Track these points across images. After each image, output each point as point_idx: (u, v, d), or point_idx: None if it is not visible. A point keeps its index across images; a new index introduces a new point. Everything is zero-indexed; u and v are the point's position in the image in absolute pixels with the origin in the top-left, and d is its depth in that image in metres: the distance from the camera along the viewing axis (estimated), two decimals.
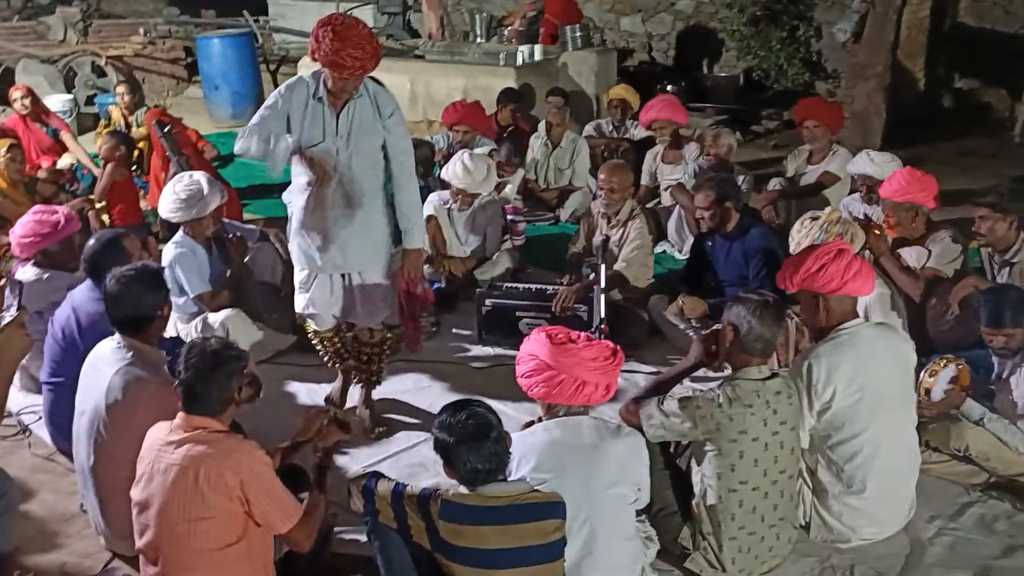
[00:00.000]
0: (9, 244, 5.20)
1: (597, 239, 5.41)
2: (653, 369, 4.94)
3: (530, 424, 3.39)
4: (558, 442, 3.02)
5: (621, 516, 3.06)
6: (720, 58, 11.43)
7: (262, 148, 3.85)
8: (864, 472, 3.45)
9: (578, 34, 9.74)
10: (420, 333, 4.57)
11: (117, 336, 3.50)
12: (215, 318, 4.96)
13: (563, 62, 9.52)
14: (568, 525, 2.86)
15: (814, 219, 4.65)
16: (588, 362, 3.06)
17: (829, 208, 5.18)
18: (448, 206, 5.93)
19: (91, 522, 3.64)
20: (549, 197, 7.39)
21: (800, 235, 4.62)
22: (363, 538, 3.11)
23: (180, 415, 2.92)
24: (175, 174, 6.64)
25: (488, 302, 5.30)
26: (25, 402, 4.61)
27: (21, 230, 4.72)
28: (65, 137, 7.89)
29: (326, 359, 4.50)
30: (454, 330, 5.54)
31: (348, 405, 4.60)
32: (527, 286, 5.44)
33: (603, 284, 4.74)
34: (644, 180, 7.08)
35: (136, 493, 2.95)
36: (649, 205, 6.84)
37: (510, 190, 6.76)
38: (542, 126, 7.55)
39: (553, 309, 5.15)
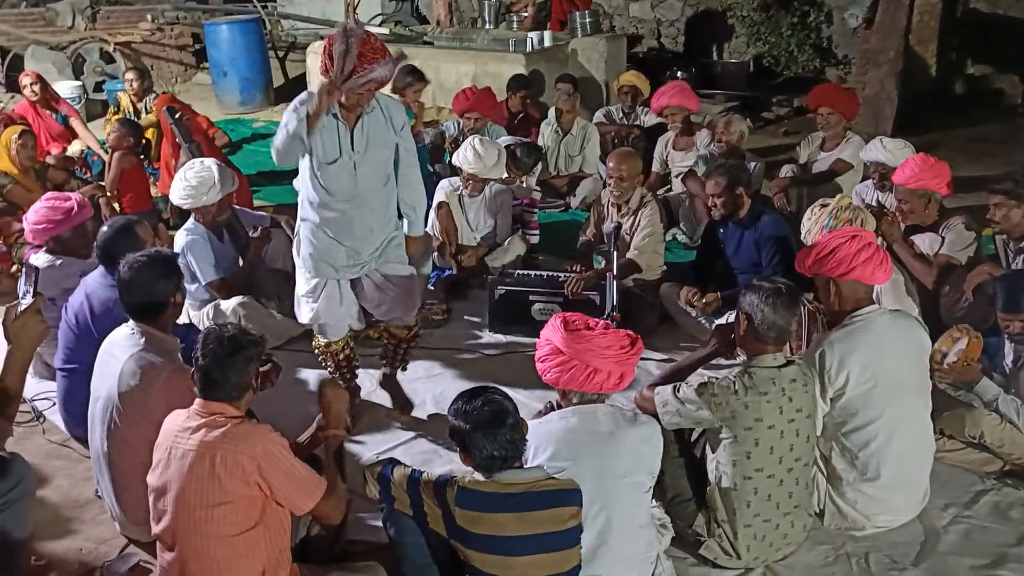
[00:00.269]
0: (22, 230, 5.22)
1: (609, 226, 5.40)
2: (665, 356, 4.95)
3: (544, 409, 3.39)
4: (574, 430, 3.02)
5: (637, 504, 3.05)
6: (730, 44, 11.38)
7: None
8: (878, 459, 3.45)
9: (587, 20, 9.70)
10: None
11: (131, 323, 3.51)
12: (227, 305, 4.96)
13: (572, 48, 9.48)
14: (584, 513, 2.86)
15: (823, 206, 4.65)
16: (602, 350, 3.05)
17: (840, 195, 5.16)
18: (459, 192, 5.92)
19: (106, 508, 3.66)
20: (559, 184, 7.37)
21: (810, 222, 4.62)
22: (379, 524, 3.11)
23: (197, 401, 2.92)
24: (186, 161, 6.65)
25: (500, 289, 5.29)
26: (39, 388, 4.63)
27: (34, 217, 4.72)
28: (75, 124, 7.90)
29: (334, 376, 4.39)
30: (465, 317, 5.54)
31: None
32: (539, 273, 5.43)
33: (615, 271, 4.73)
34: (655, 167, 7.06)
35: (153, 479, 2.95)
36: (660, 192, 6.82)
37: (530, 181, 6.71)
38: (552, 113, 7.53)
39: (566, 292, 5.14)
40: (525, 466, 2.87)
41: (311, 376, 4.88)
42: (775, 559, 3.38)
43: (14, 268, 5.72)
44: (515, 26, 10.12)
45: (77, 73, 10.90)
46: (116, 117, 7.88)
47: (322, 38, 10.98)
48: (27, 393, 4.39)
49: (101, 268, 4.17)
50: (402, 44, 8.82)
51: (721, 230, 5.26)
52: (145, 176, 7.05)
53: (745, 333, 3.36)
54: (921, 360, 3.62)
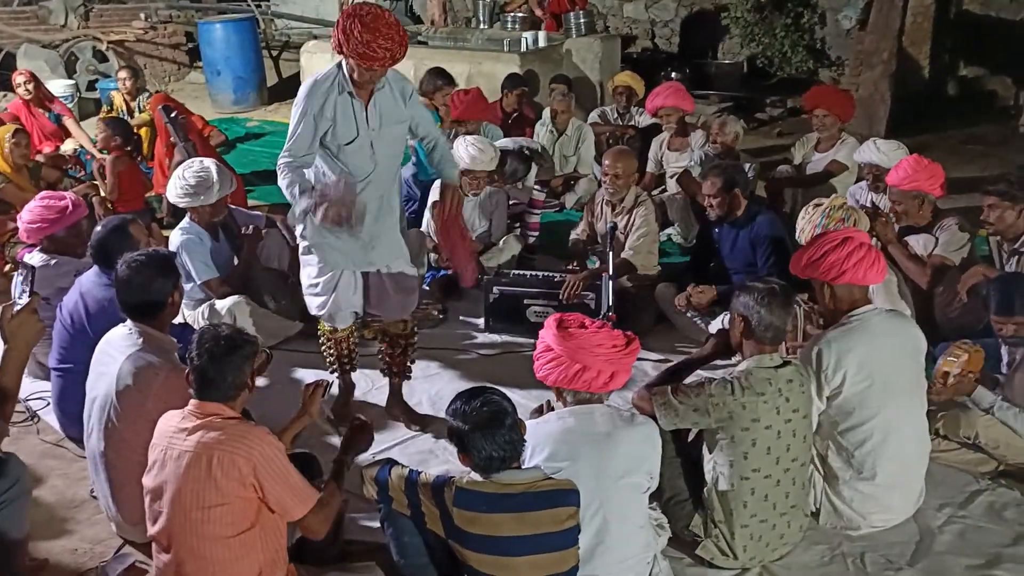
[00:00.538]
0: (15, 229, 5.20)
1: (604, 226, 5.41)
2: (660, 357, 4.95)
3: (539, 409, 3.39)
4: (572, 430, 3.02)
5: (634, 504, 3.06)
6: (724, 45, 11.40)
7: (296, 179, 3.80)
8: (874, 458, 3.46)
9: (582, 20, 9.71)
10: (474, 268, 4.53)
11: (128, 322, 3.50)
12: (222, 304, 4.95)
13: (567, 48, 9.48)
14: (582, 513, 2.86)
15: (817, 205, 4.66)
16: (592, 347, 3.05)
17: (834, 195, 5.17)
18: None
19: (102, 508, 3.64)
20: (555, 184, 7.36)
21: (804, 221, 4.63)
22: (376, 525, 3.11)
23: (193, 402, 2.92)
24: (180, 160, 6.63)
25: (496, 289, 5.29)
26: (33, 388, 4.61)
27: (29, 216, 4.71)
28: (68, 122, 7.88)
29: (334, 365, 4.39)
30: (461, 317, 5.53)
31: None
32: (534, 273, 5.43)
33: (611, 271, 4.74)
34: (650, 167, 7.07)
35: (148, 480, 2.94)
36: (655, 192, 6.83)
37: (528, 183, 6.69)
38: (546, 113, 7.52)
39: (561, 297, 5.14)
40: (523, 466, 2.87)
41: (306, 376, 4.86)
42: (772, 559, 3.39)
43: (7, 267, 5.70)
44: (510, 25, 10.11)
45: (70, 71, 10.87)
46: (104, 116, 7.86)
47: (316, 37, 10.98)
48: (21, 393, 4.38)
49: (96, 267, 4.17)
50: None
51: (716, 230, 5.27)
52: (138, 175, 7.02)
53: (741, 334, 3.37)
54: (917, 359, 3.63)
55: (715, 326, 4.92)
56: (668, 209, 6.63)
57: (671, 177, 6.88)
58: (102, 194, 6.57)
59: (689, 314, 5.13)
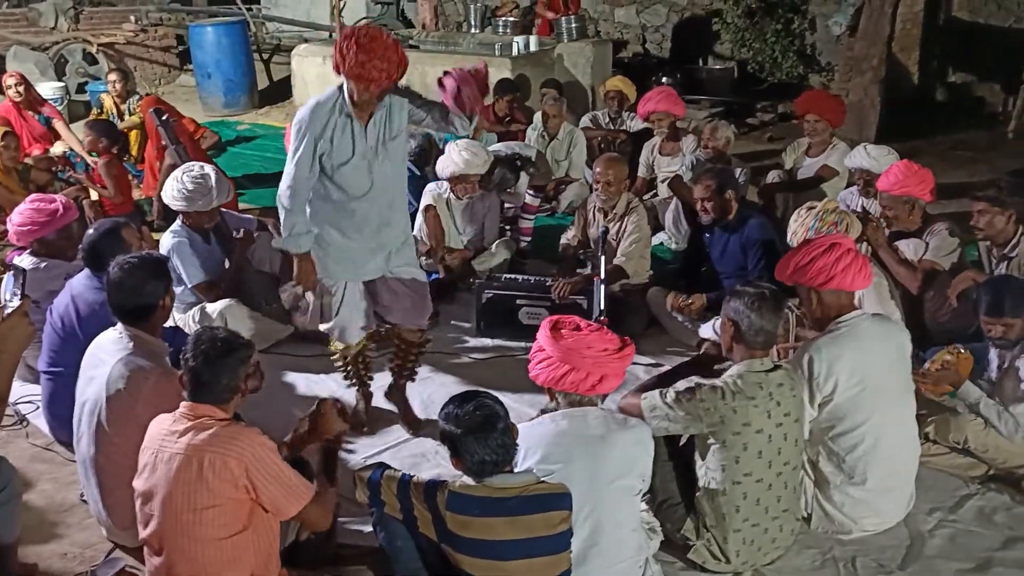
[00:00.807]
0: (5, 232, 5.18)
1: (596, 231, 5.41)
2: (652, 361, 4.96)
3: (538, 415, 3.39)
4: (565, 433, 3.02)
5: (627, 507, 3.06)
6: (715, 50, 11.44)
7: (297, 216, 3.86)
8: (865, 463, 3.47)
9: (573, 25, 9.73)
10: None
11: (119, 325, 3.49)
12: (213, 308, 4.95)
13: (558, 53, 9.50)
14: (574, 516, 2.86)
15: (810, 209, 4.67)
16: (582, 350, 3.05)
17: (826, 199, 5.19)
18: (446, 195, 5.91)
19: (92, 512, 3.62)
20: (546, 189, 7.37)
21: (796, 224, 4.64)
22: (368, 529, 3.10)
23: (185, 404, 2.91)
24: (171, 163, 6.61)
25: (487, 293, 5.29)
26: (22, 392, 4.59)
27: (19, 218, 4.68)
28: (58, 125, 7.85)
29: (351, 380, 4.39)
30: (452, 321, 5.53)
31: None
32: (526, 277, 5.44)
33: (603, 276, 4.74)
34: (641, 172, 7.08)
35: (139, 483, 2.93)
36: (646, 197, 6.85)
37: (521, 184, 6.68)
38: (538, 117, 7.53)
39: (552, 296, 5.14)
40: (515, 469, 2.87)
41: (296, 379, 4.87)
42: (763, 563, 3.39)
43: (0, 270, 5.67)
44: (501, 29, 10.12)
45: (59, 74, 10.84)
46: (91, 118, 7.83)
47: (307, 41, 10.97)
48: (11, 396, 4.37)
49: (87, 270, 4.15)
50: None
51: (707, 235, 5.29)
52: (127, 178, 7.00)
53: (731, 338, 3.38)
54: (905, 363, 3.65)
55: (706, 330, 4.93)
56: (659, 214, 6.65)
57: (662, 182, 6.89)
58: (92, 197, 6.54)
59: (680, 318, 5.14)
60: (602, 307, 4.65)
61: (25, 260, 4.63)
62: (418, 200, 5.89)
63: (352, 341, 4.22)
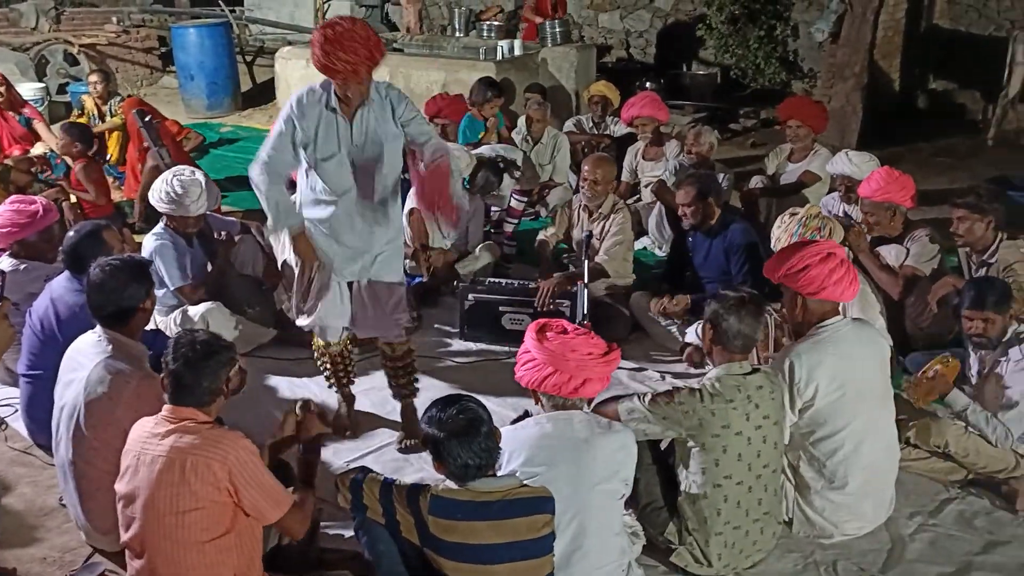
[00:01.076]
0: None
1: (579, 234, 5.42)
2: (635, 365, 4.98)
3: (521, 417, 3.39)
4: (549, 436, 3.02)
5: (610, 511, 3.06)
6: (699, 56, 11.48)
7: (276, 192, 3.76)
8: (846, 467, 3.49)
9: (557, 30, 9.75)
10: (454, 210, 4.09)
11: (98, 329, 3.46)
12: (195, 311, 4.91)
13: (542, 58, 9.52)
14: (557, 520, 2.86)
15: (793, 215, 4.69)
16: (566, 352, 3.06)
17: (809, 204, 5.22)
18: None
19: (71, 517, 3.59)
20: (531, 193, 7.36)
21: (780, 230, 4.66)
22: (350, 533, 3.09)
23: (167, 407, 2.89)
24: (154, 165, 6.58)
25: (471, 296, 5.29)
26: (1, 394, 4.55)
27: None
28: (38, 126, 7.78)
29: (330, 380, 4.34)
30: (436, 325, 5.52)
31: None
32: (509, 281, 5.43)
33: (586, 279, 4.75)
34: (625, 176, 7.09)
35: (121, 486, 2.91)
36: (630, 201, 6.85)
37: (506, 187, 6.67)
38: (522, 121, 7.53)
39: (536, 305, 5.14)
40: (498, 473, 2.87)
41: (279, 383, 4.85)
42: (745, 567, 3.41)
43: None
44: (486, 33, 10.13)
45: (40, 75, 10.75)
46: (67, 121, 7.77)
47: (290, 43, 10.94)
48: None
49: (67, 273, 4.12)
50: None
51: (690, 239, 5.31)
52: (105, 179, 6.95)
53: (711, 341, 3.39)
54: (884, 369, 3.67)
55: (690, 335, 4.96)
56: (643, 218, 6.66)
57: (646, 187, 6.91)
58: (72, 199, 6.50)
59: (664, 322, 5.15)
60: (585, 311, 4.66)
61: (5, 262, 4.59)
62: (403, 202, 5.87)
63: (332, 339, 4.20)
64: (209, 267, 5.14)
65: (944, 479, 3.93)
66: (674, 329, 5.09)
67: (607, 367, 3.13)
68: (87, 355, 3.40)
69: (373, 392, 4.62)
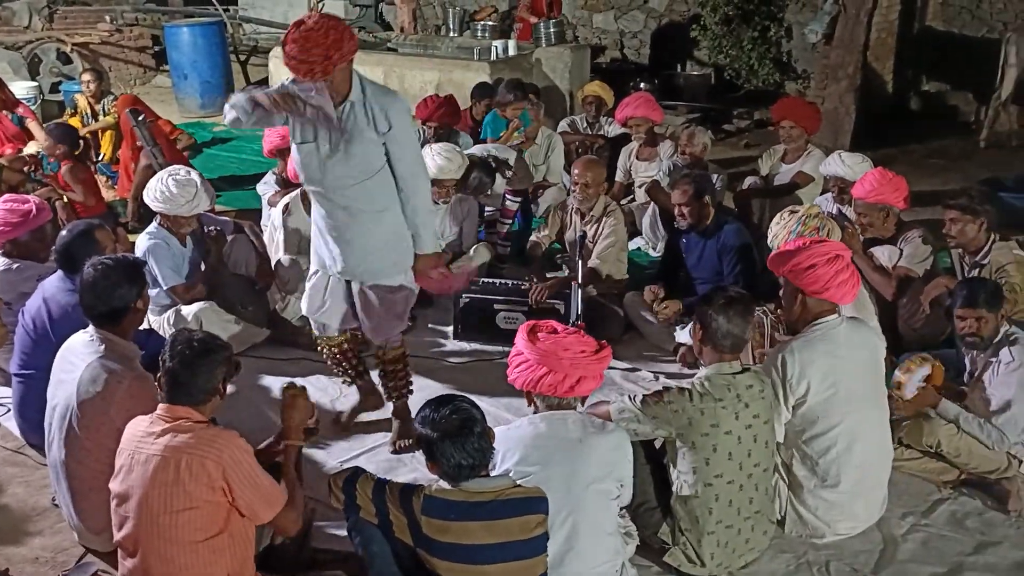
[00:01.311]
0: None
1: (573, 235, 5.42)
2: (629, 365, 4.99)
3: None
4: (543, 435, 3.03)
5: (604, 511, 3.07)
6: (692, 56, 11.50)
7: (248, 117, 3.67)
8: (839, 466, 3.50)
9: (552, 30, 9.76)
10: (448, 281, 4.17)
11: (91, 328, 3.45)
12: (188, 310, 4.91)
13: (537, 58, 9.52)
14: (551, 519, 2.86)
15: (792, 213, 4.70)
16: (559, 351, 3.07)
17: (808, 204, 5.23)
18: None
19: (64, 517, 3.58)
20: (525, 193, 7.35)
21: (778, 227, 4.65)
22: (344, 534, 3.08)
23: (162, 406, 2.89)
24: (147, 164, 6.56)
25: (465, 297, 5.29)
26: None
27: None
28: (31, 125, 7.72)
29: (339, 374, 4.33)
30: (430, 325, 5.52)
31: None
32: (504, 281, 5.43)
33: (580, 280, 4.75)
34: (618, 177, 7.10)
35: (115, 485, 2.90)
36: (624, 202, 6.86)
37: (499, 186, 6.67)
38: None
39: (529, 301, 5.14)
40: (492, 473, 2.87)
41: (272, 383, 4.83)
42: (738, 566, 3.41)
43: None
44: (480, 34, 10.14)
45: (33, 73, 10.74)
46: (55, 121, 7.75)
47: None
48: None
49: (60, 272, 4.11)
50: (366, 51, 8.79)
51: (684, 240, 5.31)
52: (94, 179, 6.92)
53: (700, 341, 3.40)
54: (878, 368, 3.68)
55: (683, 335, 4.96)
56: (636, 219, 6.67)
57: (640, 187, 6.91)
58: (65, 199, 6.48)
59: (656, 323, 5.15)
60: (579, 312, 4.67)
61: None
62: None
63: (328, 334, 4.19)
64: (202, 267, 5.12)
65: (936, 479, 3.94)
66: (667, 329, 5.09)
67: (600, 364, 3.14)
68: (79, 355, 3.39)
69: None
